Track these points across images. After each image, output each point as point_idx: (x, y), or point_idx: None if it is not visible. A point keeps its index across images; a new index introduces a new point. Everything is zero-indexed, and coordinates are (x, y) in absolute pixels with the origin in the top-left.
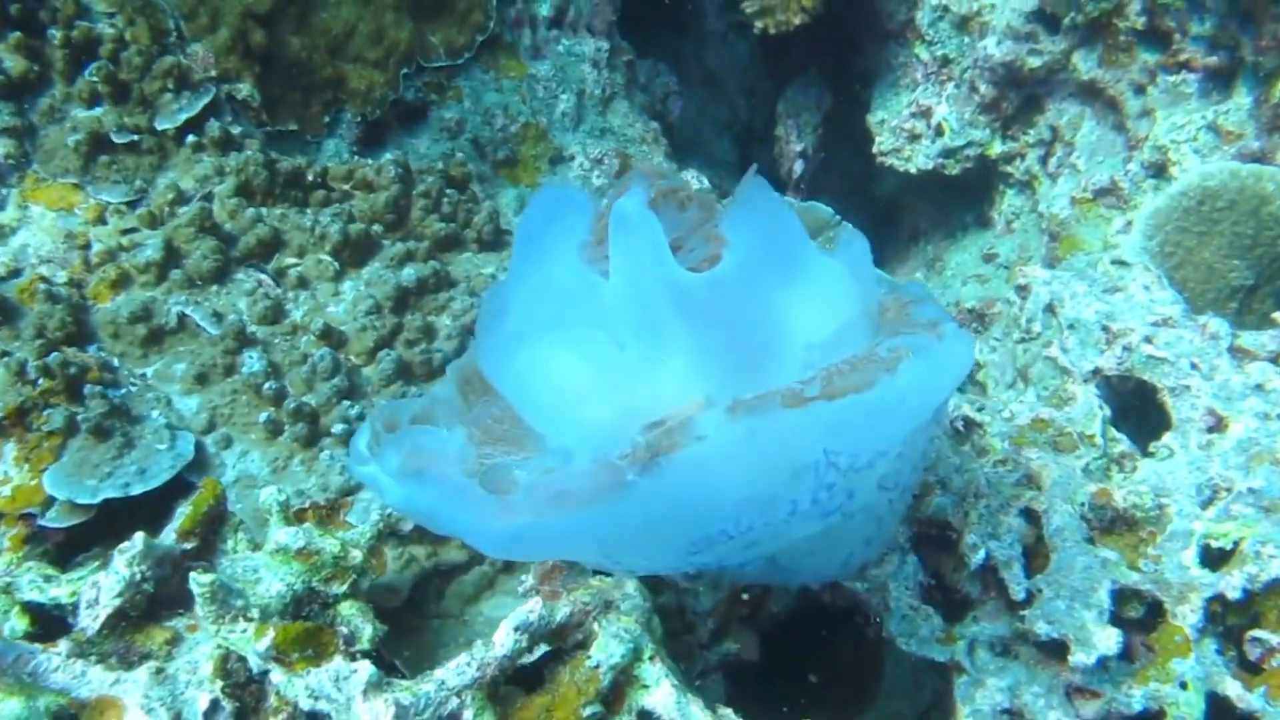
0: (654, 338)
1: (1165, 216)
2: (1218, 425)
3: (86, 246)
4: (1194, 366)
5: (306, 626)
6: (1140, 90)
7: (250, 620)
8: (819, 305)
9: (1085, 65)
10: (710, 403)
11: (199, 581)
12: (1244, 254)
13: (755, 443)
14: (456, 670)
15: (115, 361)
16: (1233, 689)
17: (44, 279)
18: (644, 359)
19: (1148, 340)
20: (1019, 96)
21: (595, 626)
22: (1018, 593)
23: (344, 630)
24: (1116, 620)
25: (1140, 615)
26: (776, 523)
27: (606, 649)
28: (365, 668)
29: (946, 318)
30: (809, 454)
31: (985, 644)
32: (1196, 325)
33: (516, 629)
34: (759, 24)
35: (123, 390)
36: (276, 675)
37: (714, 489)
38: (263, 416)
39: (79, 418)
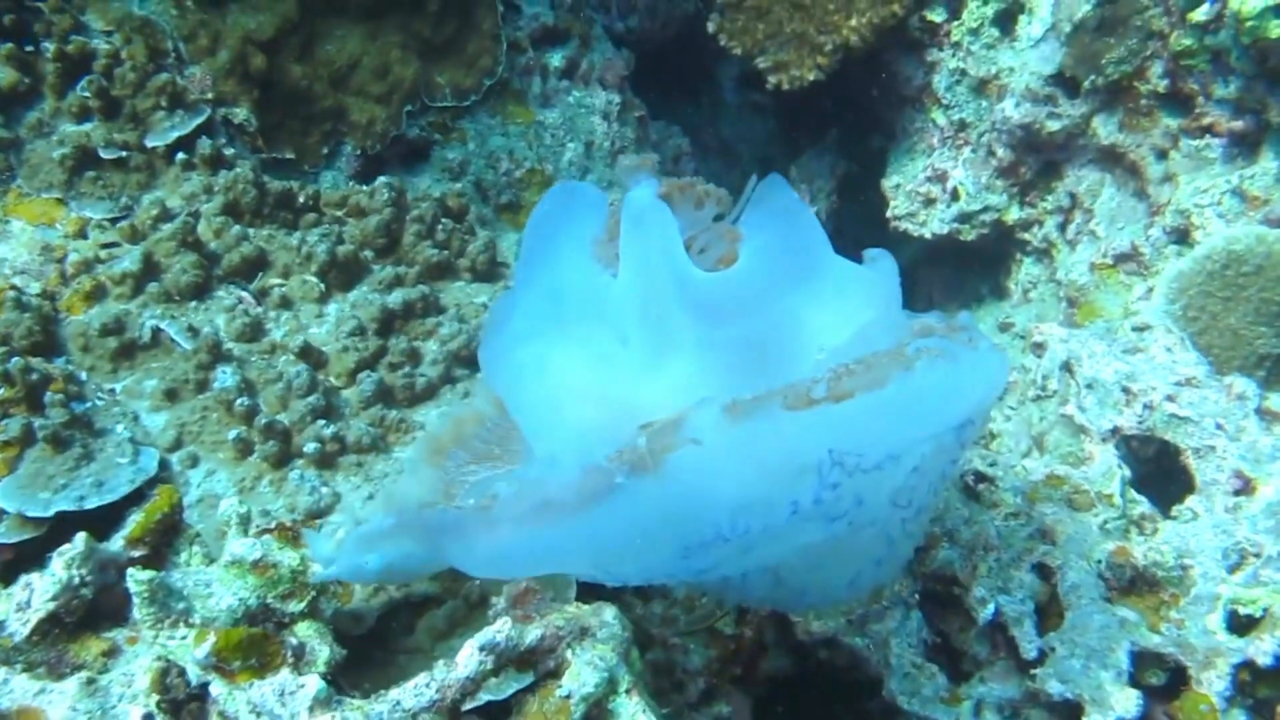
0: (659, 335)
1: (1188, 280)
2: (1245, 488)
3: (63, 260)
4: (1219, 427)
5: (251, 633)
6: (1162, 155)
7: (192, 626)
8: (837, 309)
9: (1105, 130)
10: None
11: (136, 579)
12: (1272, 321)
13: (754, 446)
14: (414, 690)
15: (83, 375)
16: None
17: (14, 287)
18: (646, 357)
19: (1170, 399)
20: (1037, 162)
21: (568, 654)
22: (1029, 651)
23: (292, 641)
24: (1136, 686)
25: (1162, 682)
26: (776, 525)
27: (579, 677)
28: (313, 682)
29: (984, 337)
30: (812, 455)
31: (993, 706)
32: (1221, 386)
33: (482, 649)
34: (773, 79)
35: (88, 404)
36: (217, 688)
37: (709, 492)
38: (232, 434)
39: (36, 425)
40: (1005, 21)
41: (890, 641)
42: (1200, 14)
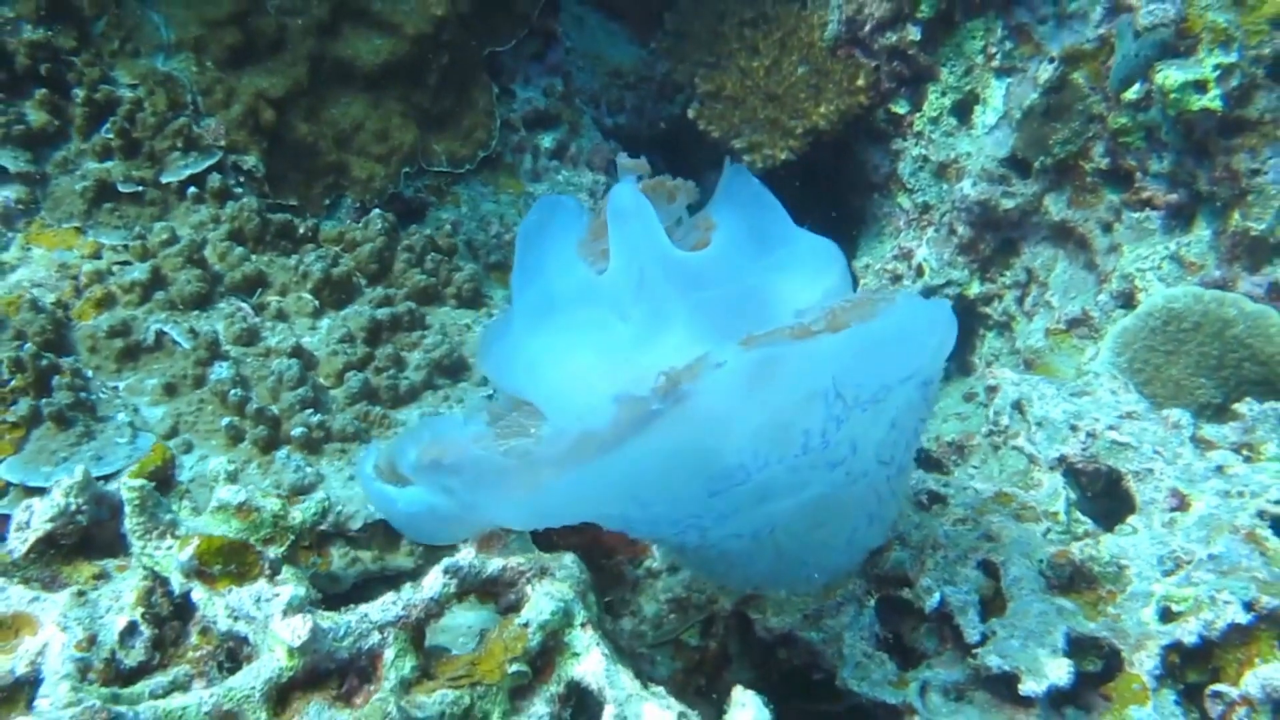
0: (654, 310)
1: (1133, 335)
2: (1180, 505)
3: (78, 276)
4: (1157, 452)
5: (231, 541)
6: (1108, 228)
7: (178, 538)
8: (805, 274)
9: (1056, 207)
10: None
11: (129, 486)
12: (1211, 374)
13: (770, 368)
14: (381, 606)
15: (89, 373)
16: None
17: (31, 294)
18: (646, 330)
19: (1112, 429)
20: (995, 239)
21: (528, 589)
22: (972, 635)
23: (270, 555)
24: (1074, 673)
25: (1098, 669)
26: (789, 460)
27: (537, 607)
28: (288, 590)
29: None
30: (819, 380)
31: (938, 689)
32: (1159, 418)
33: (446, 571)
34: (748, 158)
35: (92, 396)
36: (198, 593)
37: (733, 414)
38: (225, 422)
39: (43, 403)
40: (962, 111)
41: (844, 635)
42: (1132, 93)
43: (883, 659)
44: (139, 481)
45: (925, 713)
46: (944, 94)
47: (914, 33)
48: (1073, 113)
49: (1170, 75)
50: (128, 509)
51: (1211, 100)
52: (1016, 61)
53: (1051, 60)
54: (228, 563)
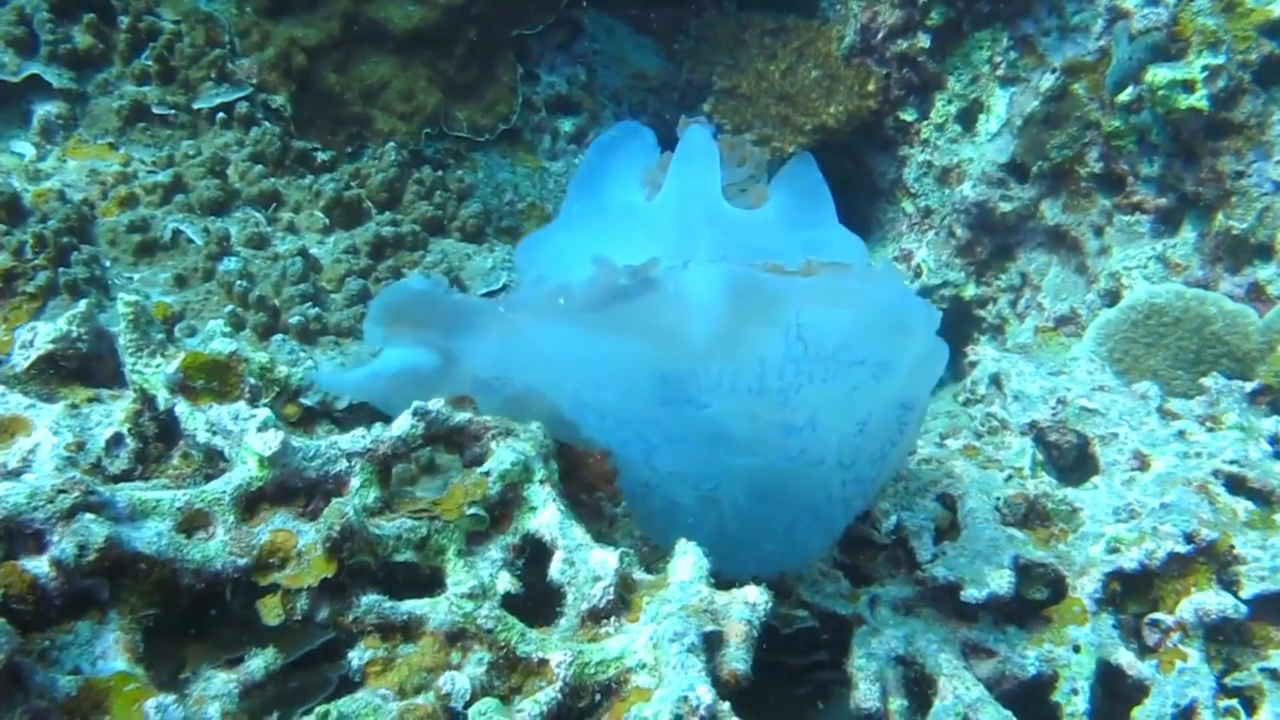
0: (682, 238)
1: (1115, 326)
2: (1141, 466)
3: (105, 181)
4: (1124, 419)
5: (215, 359)
6: (1099, 231)
7: (166, 357)
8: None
9: (1051, 212)
10: None
11: (125, 302)
12: (1189, 367)
13: (735, 284)
14: (351, 438)
15: (107, 263)
16: (1125, 658)
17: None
18: (667, 251)
19: (1082, 398)
20: (992, 243)
21: (492, 445)
22: (924, 556)
23: (250, 381)
24: (1020, 600)
25: (1044, 597)
26: (742, 390)
27: (498, 459)
28: (264, 412)
29: None
30: (782, 311)
31: (888, 603)
32: (1129, 391)
33: (414, 414)
34: (757, 150)
35: (107, 281)
36: (181, 408)
37: (694, 313)
38: (227, 309)
39: (59, 272)
40: (967, 119)
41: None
42: (1126, 95)
43: (837, 575)
44: (134, 298)
45: (874, 622)
46: (950, 102)
47: (924, 40)
48: (1070, 120)
49: (1159, 74)
50: (122, 324)
51: (1198, 100)
52: (1020, 71)
53: (1053, 71)
54: (210, 379)
